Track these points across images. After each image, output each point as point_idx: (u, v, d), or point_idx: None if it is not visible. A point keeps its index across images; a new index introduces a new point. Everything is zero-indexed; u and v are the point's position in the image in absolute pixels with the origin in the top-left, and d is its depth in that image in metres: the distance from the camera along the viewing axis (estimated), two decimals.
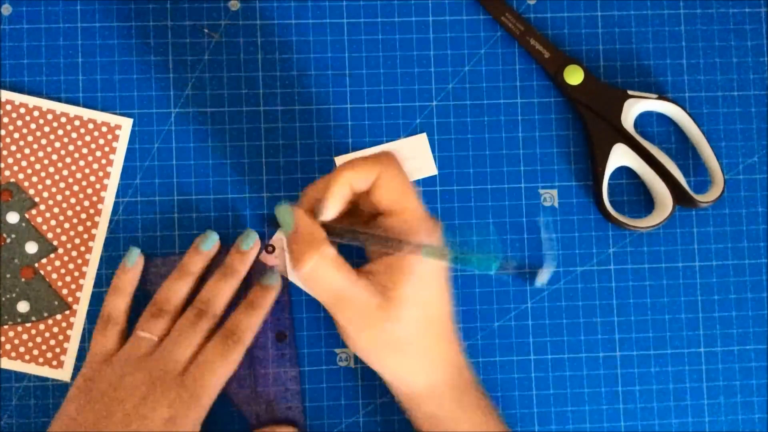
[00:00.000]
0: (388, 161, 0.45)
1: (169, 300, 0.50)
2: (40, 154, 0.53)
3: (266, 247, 0.52)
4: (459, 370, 0.48)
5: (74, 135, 0.53)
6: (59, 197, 0.52)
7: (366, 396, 0.53)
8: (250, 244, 0.51)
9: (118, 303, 0.51)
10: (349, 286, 0.44)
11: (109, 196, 0.53)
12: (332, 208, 0.45)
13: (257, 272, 0.52)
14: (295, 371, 0.52)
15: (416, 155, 0.54)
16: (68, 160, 0.53)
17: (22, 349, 0.52)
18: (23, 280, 0.52)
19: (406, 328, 0.45)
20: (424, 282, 0.45)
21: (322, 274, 0.45)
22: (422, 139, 0.54)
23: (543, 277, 0.37)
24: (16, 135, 0.52)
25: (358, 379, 0.53)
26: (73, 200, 0.52)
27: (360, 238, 0.44)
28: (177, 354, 0.48)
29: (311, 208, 0.46)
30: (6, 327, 0.52)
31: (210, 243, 0.51)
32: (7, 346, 0.52)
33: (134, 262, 0.51)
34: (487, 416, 0.48)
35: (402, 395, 0.49)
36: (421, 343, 0.47)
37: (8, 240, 0.52)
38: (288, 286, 0.53)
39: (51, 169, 0.53)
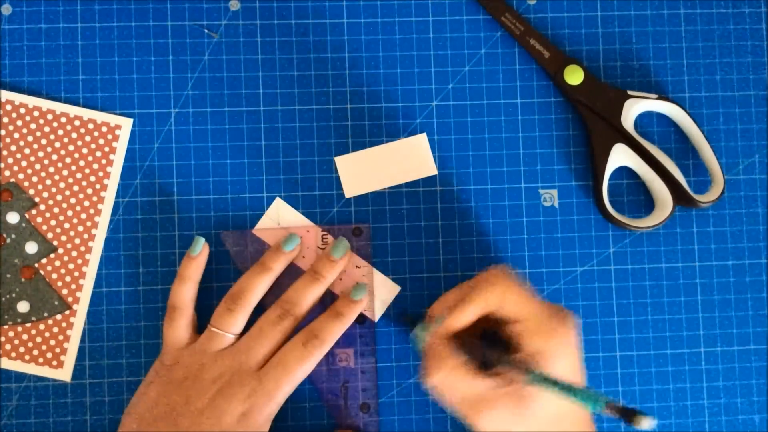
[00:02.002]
0: (506, 283, 0.47)
1: (245, 295, 0.50)
2: (40, 154, 0.53)
3: (354, 229, 0.53)
4: None
5: (74, 135, 0.53)
6: (59, 197, 0.52)
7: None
8: (341, 254, 0.52)
9: (184, 292, 0.51)
10: (482, 388, 0.46)
11: (109, 196, 0.53)
12: (462, 323, 0.47)
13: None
14: (371, 351, 0.53)
15: (416, 155, 0.54)
16: (68, 160, 0.53)
17: (22, 349, 0.52)
18: (23, 280, 0.52)
19: (540, 423, 0.45)
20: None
21: (450, 384, 0.46)
22: (422, 139, 0.54)
23: (646, 424, 0.39)
24: (16, 135, 0.52)
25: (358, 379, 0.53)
26: (73, 200, 0.52)
27: (478, 355, 0.47)
28: (256, 351, 0.49)
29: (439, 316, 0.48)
30: (6, 327, 0.52)
31: (292, 244, 0.52)
32: (7, 346, 0.52)
33: (199, 250, 0.51)
34: None
35: None
36: None
37: (8, 240, 0.52)
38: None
39: (51, 169, 0.53)
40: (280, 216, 0.53)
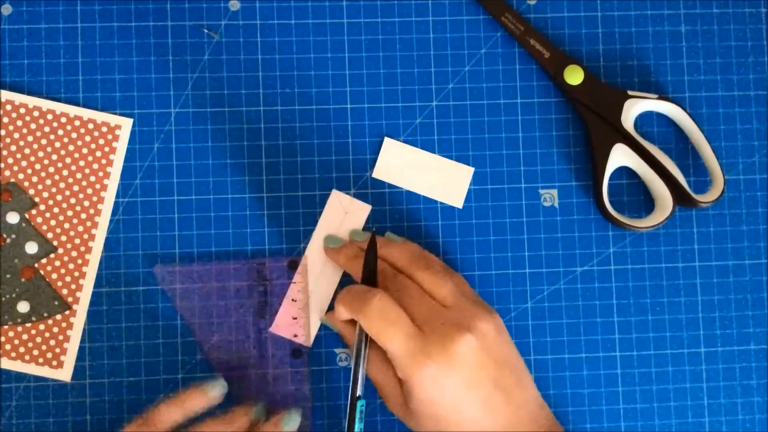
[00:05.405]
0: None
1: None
2: (40, 154, 0.53)
3: (290, 261, 0.52)
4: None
5: (74, 135, 0.53)
6: (59, 197, 0.52)
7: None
8: (292, 427, 0.49)
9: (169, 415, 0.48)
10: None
11: (109, 196, 0.53)
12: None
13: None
14: (308, 388, 0.52)
15: (454, 182, 0.54)
16: (68, 160, 0.53)
17: (22, 349, 0.52)
18: (23, 280, 0.52)
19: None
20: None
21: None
22: (468, 171, 0.54)
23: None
24: (16, 135, 0.52)
25: None
26: (73, 200, 0.52)
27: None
28: None
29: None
30: (6, 327, 0.52)
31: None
32: (7, 346, 0.52)
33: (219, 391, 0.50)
34: None
35: None
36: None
37: (8, 240, 0.52)
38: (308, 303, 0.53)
39: (51, 169, 0.53)
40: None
